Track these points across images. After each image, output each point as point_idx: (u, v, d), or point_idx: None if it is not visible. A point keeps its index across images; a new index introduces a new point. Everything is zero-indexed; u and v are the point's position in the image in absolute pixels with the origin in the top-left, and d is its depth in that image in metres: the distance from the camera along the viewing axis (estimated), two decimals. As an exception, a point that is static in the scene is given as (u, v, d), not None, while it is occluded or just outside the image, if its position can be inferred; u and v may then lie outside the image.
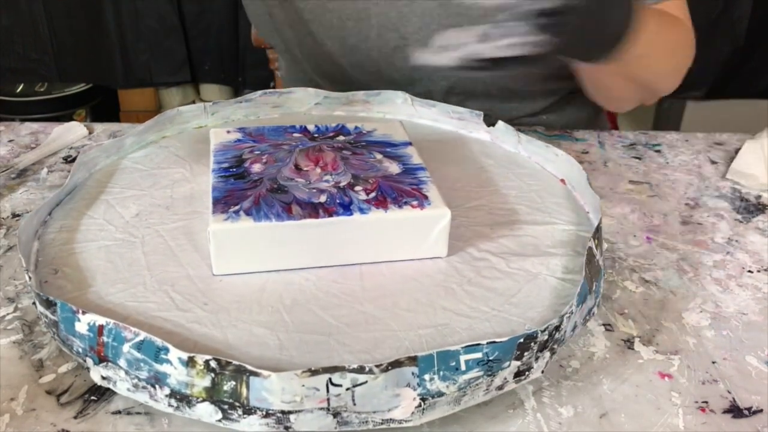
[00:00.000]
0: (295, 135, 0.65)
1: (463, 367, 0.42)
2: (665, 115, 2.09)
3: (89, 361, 0.44)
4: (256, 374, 0.40)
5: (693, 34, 0.79)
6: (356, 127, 0.67)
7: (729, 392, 0.47)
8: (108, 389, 0.45)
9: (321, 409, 0.40)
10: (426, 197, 0.55)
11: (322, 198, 0.54)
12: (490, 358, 0.42)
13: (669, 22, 0.75)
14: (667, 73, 0.78)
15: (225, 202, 0.53)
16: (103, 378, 0.44)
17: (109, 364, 0.43)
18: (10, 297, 0.53)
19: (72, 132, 0.78)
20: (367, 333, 0.48)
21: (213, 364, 0.40)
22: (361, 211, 0.53)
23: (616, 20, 0.56)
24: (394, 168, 0.59)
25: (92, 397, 0.45)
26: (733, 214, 0.68)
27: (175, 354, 0.41)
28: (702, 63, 2.07)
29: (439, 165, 0.67)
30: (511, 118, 0.89)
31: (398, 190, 0.56)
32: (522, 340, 0.43)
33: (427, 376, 0.41)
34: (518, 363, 0.43)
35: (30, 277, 0.49)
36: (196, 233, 0.57)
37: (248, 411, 0.40)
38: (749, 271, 0.60)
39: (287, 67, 0.99)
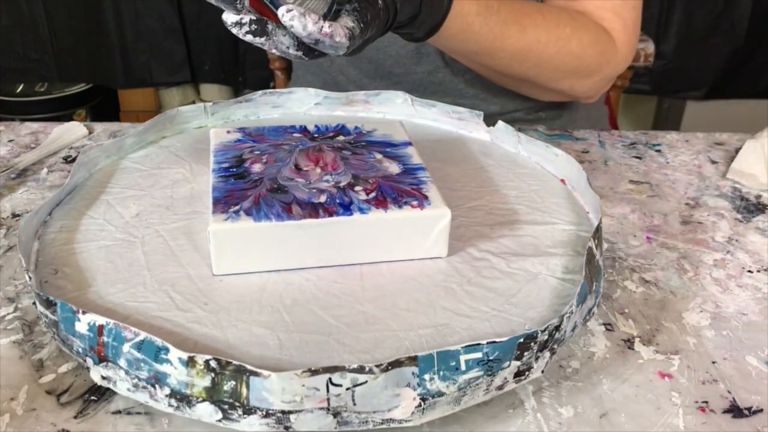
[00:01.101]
0: (295, 135, 0.65)
1: (463, 367, 0.42)
2: (665, 115, 2.09)
3: (89, 361, 0.44)
4: (256, 374, 0.40)
5: (623, 42, 0.77)
6: (356, 127, 0.67)
7: (729, 392, 0.47)
8: (108, 389, 0.45)
9: (321, 409, 0.40)
10: (426, 197, 0.55)
11: (322, 198, 0.54)
12: (490, 358, 0.42)
13: (574, 25, 0.73)
14: (560, 74, 0.76)
15: (225, 202, 0.53)
16: (103, 378, 0.44)
17: (109, 364, 0.43)
18: (10, 297, 0.53)
19: (72, 132, 0.78)
20: (367, 333, 0.48)
21: (213, 364, 0.40)
22: (361, 211, 0.53)
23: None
24: (394, 168, 0.59)
25: (92, 397, 0.45)
26: (734, 213, 0.68)
27: (175, 354, 0.41)
28: (702, 63, 2.07)
29: (439, 165, 0.67)
30: (513, 115, 0.90)
31: (398, 190, 0.56)
32: (522, 340, 0.43)
33: (427, 376, 0.41)
34: (518, 363, 0.43)
35: (30, 277, 0.49)
36: (196, 233, 0.57)
37: (248, 411, 0.40)
38: (749, 271, 0.60)
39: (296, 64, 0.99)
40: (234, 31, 0.48)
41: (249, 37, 0.48)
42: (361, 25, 0.49)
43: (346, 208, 0.53)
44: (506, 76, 0.78)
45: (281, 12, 0.46)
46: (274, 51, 0.49)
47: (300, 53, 0.49)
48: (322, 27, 0.46)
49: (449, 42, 0.66)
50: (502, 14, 0.67)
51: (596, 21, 0.77)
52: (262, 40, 0.48)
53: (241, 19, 0.47)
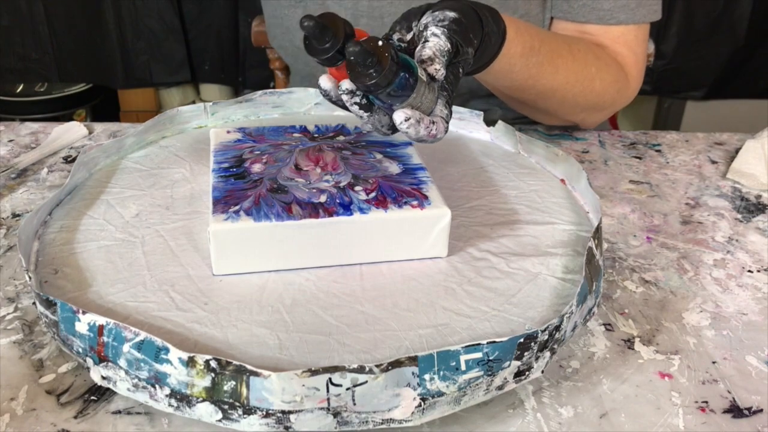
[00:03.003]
0: (295, 135, 0.65)
1: (463, 367, 0.42)
2: (665, 115, 2.09)
3: (89, 361, 0.44)
4: (256, 374, 0.40)
5: (633, 77, 0.78)
6: (356, 127, 0.67)
7: (729, 392, 0.47)
8: (108, 389, 0.45)
9: (321, 409, 0.40)
10: (426, 197, 0.55)
11: (322, 198, 0.54)
12: (490, 358, 0.42)
13: (598, 64, 0.74)
14: (579, 109, 0.77)
15: (225, 202, 0.53)
16: (103, 378, 0.44)
17: (109, 364, 0.43)
18: (10, 297, 0.53)
19: (72, 132, 0.78)
20: (367, 333, 0.48)
21: (213, 364, 0.40)
22: (361, 211, 0.53)
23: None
24: (394, 168, 0.59)
25: (92, 397, 0.45)
26: (734, 213, 0.68)
27: (175, 354, 0.41)
28: (702, 63, 2.07)
29: (439, 165, 0.67)
30: (515, 117, 0.90)
31: (398, 190, 0.56)
32: (522, 340, 0.43)
33: (427, 376, 0.41)
34: (518, 363, 0.43)
35: (30, 277, 0.49)
36: (196, 233, 0.57)
37: (248, 411, 0.40)
38: (749, 271, 0.60)
39: (295, 71, 0.99)
40: (344, 98, 0.50)
41: (355, 108, 0.51)
42: (450, 108, 0.52)
43: (346, 208, 0.53)
44: (527, 106, 0.78)
45: (399, 119, 0.48)
46: (368, 126, 0.52)
47: (390, 132, 0.52)
48: (431, 130, 0.49)
49: (486, 76, 0.66)
50: (540, 55, 0.67)
51: (612, 55, 0.77)
52: (366, 114, 0.51)
53: (355, 90, 0.50)
